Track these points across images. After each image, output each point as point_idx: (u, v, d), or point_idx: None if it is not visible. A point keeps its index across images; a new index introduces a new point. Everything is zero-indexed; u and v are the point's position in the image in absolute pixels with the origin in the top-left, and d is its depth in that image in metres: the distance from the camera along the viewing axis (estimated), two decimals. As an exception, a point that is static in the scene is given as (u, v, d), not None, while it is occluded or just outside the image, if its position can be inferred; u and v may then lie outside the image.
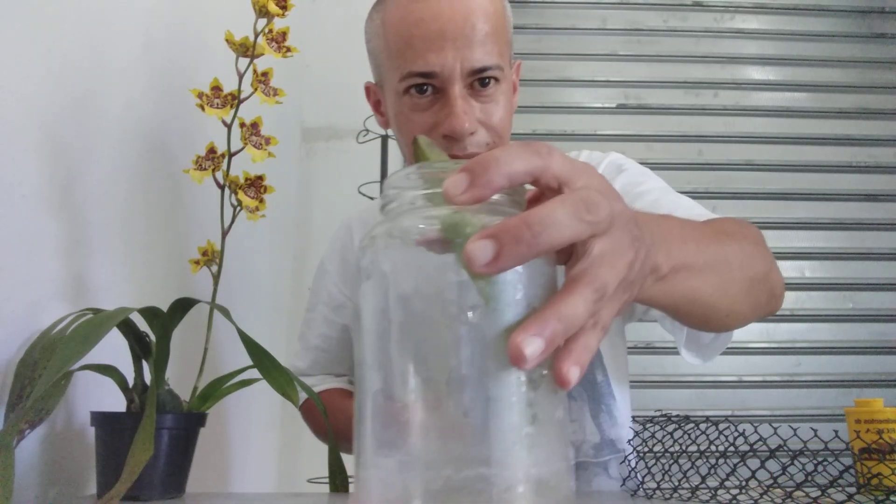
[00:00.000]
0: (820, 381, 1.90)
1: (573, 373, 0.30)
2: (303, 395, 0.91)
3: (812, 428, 0.58)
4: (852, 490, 0.55)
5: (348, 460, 0.78)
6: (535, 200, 0.35)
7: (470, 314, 0.31)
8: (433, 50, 0.70)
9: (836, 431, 0.59)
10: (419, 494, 0.30)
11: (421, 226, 0.33)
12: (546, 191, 0.34)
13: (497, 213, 0.33)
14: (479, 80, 0.73)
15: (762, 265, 0.59)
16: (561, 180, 0.33)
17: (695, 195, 0.82)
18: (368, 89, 0.85)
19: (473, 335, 0.31)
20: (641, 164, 0.88)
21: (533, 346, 0.29)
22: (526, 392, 0.31)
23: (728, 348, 2.03)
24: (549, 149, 0.33)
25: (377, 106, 0.85)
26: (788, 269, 1.97)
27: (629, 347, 0.91)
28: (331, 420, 0.79)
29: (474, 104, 0.73)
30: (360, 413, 0.34)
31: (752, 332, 1.92)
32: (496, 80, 0.74)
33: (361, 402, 0.34)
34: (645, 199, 0.79)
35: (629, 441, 0.82)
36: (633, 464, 0.77)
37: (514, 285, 0.32)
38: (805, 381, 1.90)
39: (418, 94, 0.73)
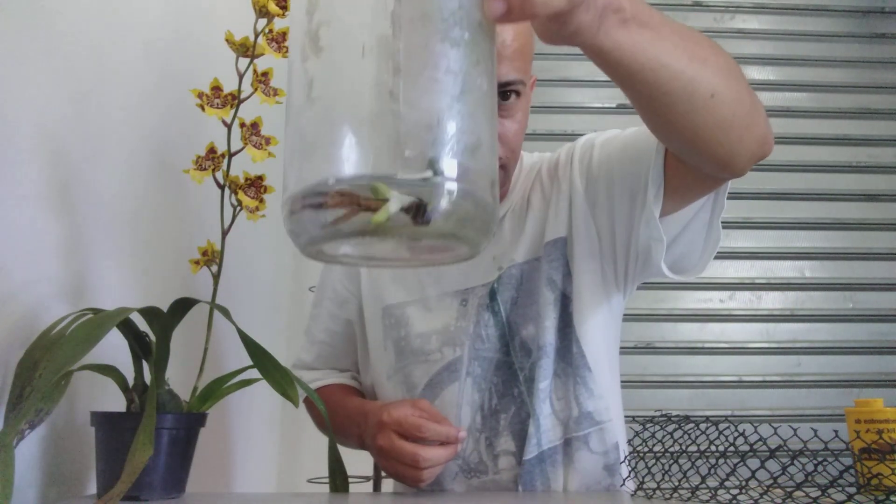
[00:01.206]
0: (820, 381, 1.90)
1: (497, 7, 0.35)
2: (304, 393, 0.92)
3: (812, 428, 0.58)
4: (852, 490, 0.55)
5: (348, 461, 0.78)
6: None
7: None
8: None
9: (836, 431, 0.59)
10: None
11: None
12: None
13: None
14: (502, 93, 0.76)
15: (735, 66, 0.58)
16: None
17: (695, 195, 0.82)
18: None
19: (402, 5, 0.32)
20: None
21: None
22: (450, 54, 0.31)
23: (728, 348, 2.02)
24: None
25: None
26: (788, 269, 1.97)
27: (630, 347, 0.91)
28: (330, 415, 0.80)
29: None
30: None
31: (752, 332, 1.92)
32: (517, 94, 0.77)
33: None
34: (604, 136, 0.85)
35: (629, 441, 0.82)
36: (632, 463, 0.77)
37: None
38: (805, 381, 1.90)
39: None
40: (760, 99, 0.61)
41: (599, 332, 0.84)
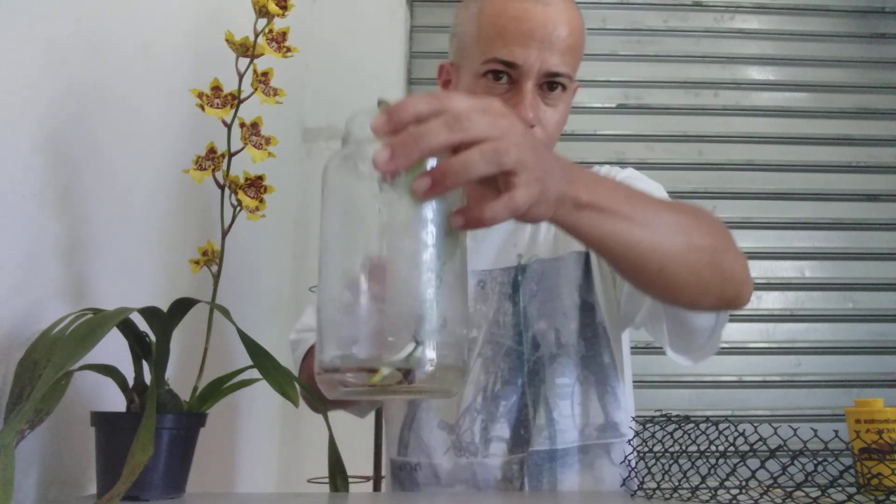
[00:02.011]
0: (820, 381, 1.90)
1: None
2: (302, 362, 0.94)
3: (812, 428, 0.58)
4: (852, 490, 0.55)
5: (348, 461, 0.78)
6: None
7: (385, 216, 0.45)
8: (521, 45, 0.77)
9: (836, 431, 0.59)
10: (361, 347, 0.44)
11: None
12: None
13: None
14: (550, 83, 0.79)
15: (709, 240, 0.60)
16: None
17: (695, 195, 0.83)
18: (442, 67, 0.90)
19: (388, 228, 0.45)
20: (641, 164, 0.90)
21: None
22: (424, 262, 0.43)
23: (728, 348, 2.02)
24: (468, 114, 0.42)
25: (445, 85, 0.90)
26: (788, 269, 1.97)
27: (630, 347, 0.92)
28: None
29: (540, 103, 0.80)
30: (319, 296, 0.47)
31: (752, 332, 1.92)
32: (563, 87, 0.81)
33: (319, 288, 0.47)
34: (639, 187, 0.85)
35: (629, 441, 0.82)
36: (633, 464, 0.77)
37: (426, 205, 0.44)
38: (805, 381, 1.90)
39: (494, 80, 0.79)
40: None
41: (623, 344, 0.88)
